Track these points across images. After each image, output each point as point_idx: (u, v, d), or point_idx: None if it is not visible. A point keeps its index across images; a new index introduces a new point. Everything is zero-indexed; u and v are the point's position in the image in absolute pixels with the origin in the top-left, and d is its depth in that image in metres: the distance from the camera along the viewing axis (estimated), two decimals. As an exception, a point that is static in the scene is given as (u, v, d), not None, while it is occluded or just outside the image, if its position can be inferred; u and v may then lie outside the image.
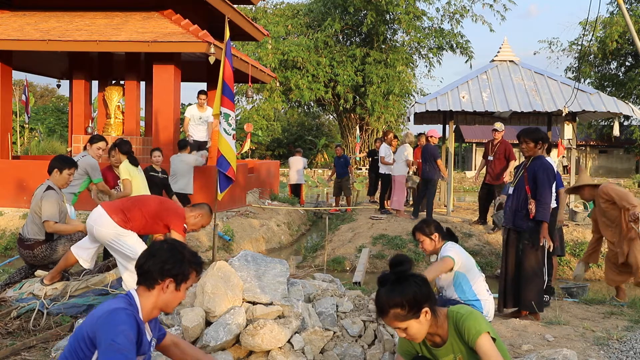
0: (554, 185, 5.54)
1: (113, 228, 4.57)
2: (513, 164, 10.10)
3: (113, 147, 7.33)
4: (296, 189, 15.75)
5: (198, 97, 11.29)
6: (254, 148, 32.29)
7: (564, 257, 9.28)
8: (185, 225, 4.70)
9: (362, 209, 13.28)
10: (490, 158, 10.53)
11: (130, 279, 4.50)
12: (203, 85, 14.72)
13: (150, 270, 2.48)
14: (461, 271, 4.43)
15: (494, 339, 2.61)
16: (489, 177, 10.51)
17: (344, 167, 14.50)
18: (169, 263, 2.49)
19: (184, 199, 9.17)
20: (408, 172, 11.59)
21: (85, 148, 6.89)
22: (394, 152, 12.10)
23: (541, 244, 5.35)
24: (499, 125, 10.55)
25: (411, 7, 29.10)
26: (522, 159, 5.65)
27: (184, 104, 32.35)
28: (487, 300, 4.47)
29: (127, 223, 4.61)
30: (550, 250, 5.51)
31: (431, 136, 11.33)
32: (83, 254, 4.86)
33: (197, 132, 11.28)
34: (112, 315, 2.37)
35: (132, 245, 4.60)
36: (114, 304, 2.44)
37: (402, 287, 2.61)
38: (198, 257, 2.62)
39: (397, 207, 11.65)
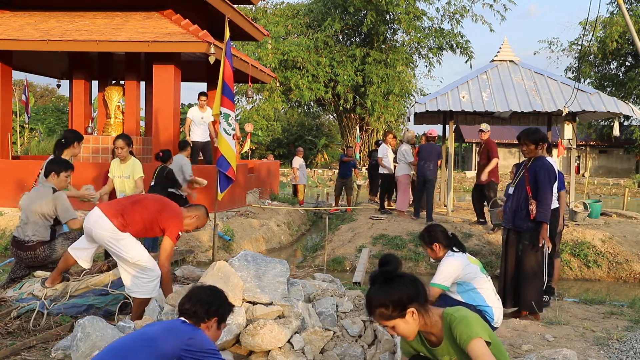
0: (555, 186, 5.54)
1: (111, 231, 4.45)
2: (495, 162, 10.19)
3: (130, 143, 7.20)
4: (295, 188, 15.80)
5: (199, 98, 11.67)
6: (254, 148, 32.27)
7: (565, 258, 9.28)
8: (180, 232, 4.59)
9: (362, 209, 13.27)
10: (478, 159, 10.83)
11: (128, 279, 4.45)
12: (203, 85, 14.74)
13: (197, 311, 2.90)
14: (464, 281, 4.32)
15: (489, 343, 2.59)
16: (478, 178, 10.63)
17: (350, 169, 14.53)
18: (214, 305, 2.95)
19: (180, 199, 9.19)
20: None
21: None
22: (395, 153, 12.09)
23: (540, 245, 5.35)
24: (484, 125, 10.65)
25: (411, 7, 29.12)
26: (517, 159, 5.66)
27: (184, 104, 32.38)
28: (498, 308, 4.36)
29: (126, 227, 4.48)
30: (549, 252, 5.50)
31: (430, 134, 11.37)
32: (82, 254, 4.76)
33: (198, 132, 11.61)
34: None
35: (128, 247, 4.46)
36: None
37: (388, 287, 2.63)
38: (230, 303, 3.13)
39: (400, 208, 11.62)
